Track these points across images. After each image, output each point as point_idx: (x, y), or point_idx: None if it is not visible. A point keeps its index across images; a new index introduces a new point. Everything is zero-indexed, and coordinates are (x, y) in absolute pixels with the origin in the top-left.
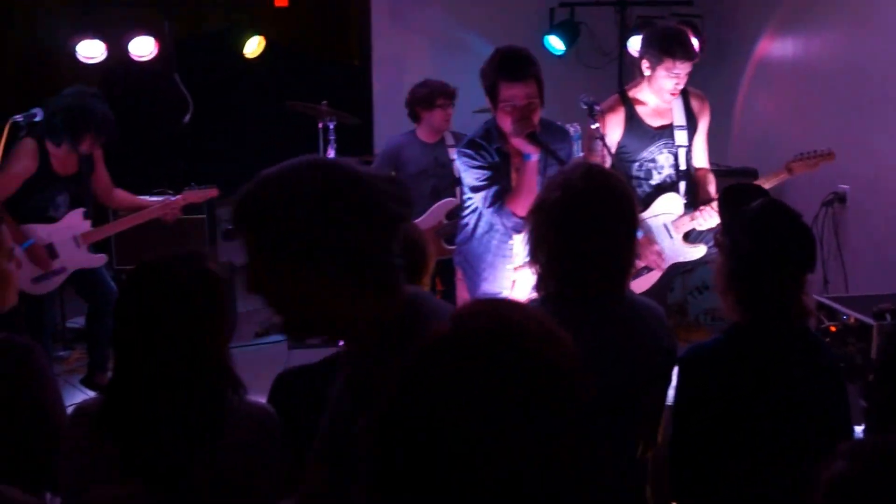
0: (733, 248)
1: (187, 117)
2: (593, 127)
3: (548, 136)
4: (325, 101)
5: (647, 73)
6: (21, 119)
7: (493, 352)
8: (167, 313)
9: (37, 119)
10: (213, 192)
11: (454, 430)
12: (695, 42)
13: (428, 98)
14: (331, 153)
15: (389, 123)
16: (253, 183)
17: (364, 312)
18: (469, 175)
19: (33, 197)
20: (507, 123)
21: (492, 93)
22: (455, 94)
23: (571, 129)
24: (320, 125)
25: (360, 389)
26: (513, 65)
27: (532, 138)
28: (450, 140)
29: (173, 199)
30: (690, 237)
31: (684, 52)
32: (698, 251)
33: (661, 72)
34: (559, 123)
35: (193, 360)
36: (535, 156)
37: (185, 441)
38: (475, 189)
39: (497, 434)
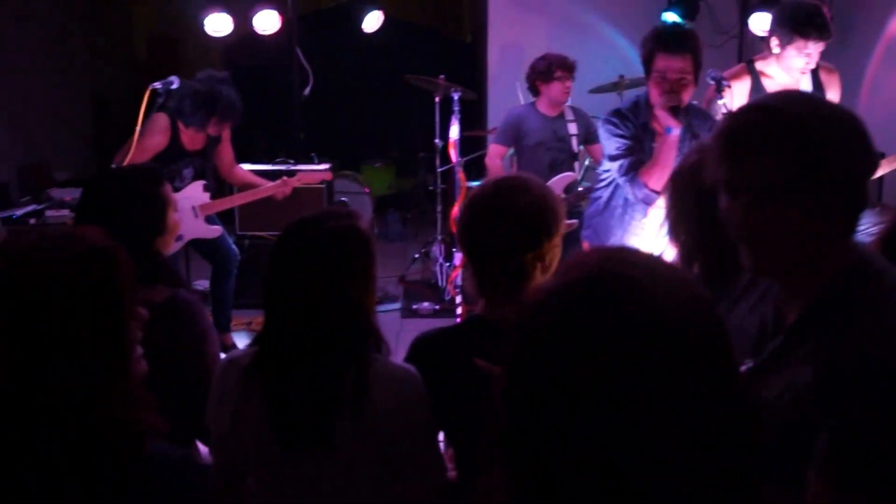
0: None
1: (307, 90)
2: (720, 102)
3: (691, 116)
4: (442, 76)
5: (775, 50)
6: (160, 86)
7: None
8: (319, 267)
9: (173, 87)
10: (327, 175)
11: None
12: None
13: (546, 70)
14: (454, 124)
15: (503, 100)
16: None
17: (830, 252)
18: (609, 143)
19: (163, 170)
20: (655, 95)
21: (647, 62)
22: (574, 67)
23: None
24: (437, 99)
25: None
26: (671, 37)
27: (674, 112)
28: (569, 115)
29: (287, 179)
30: None
31: (819, 33)
32: None
33: (791, 51)
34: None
35: (341, 315)
36: (676, 130)
37: (330, 397)
38: (613, 157)
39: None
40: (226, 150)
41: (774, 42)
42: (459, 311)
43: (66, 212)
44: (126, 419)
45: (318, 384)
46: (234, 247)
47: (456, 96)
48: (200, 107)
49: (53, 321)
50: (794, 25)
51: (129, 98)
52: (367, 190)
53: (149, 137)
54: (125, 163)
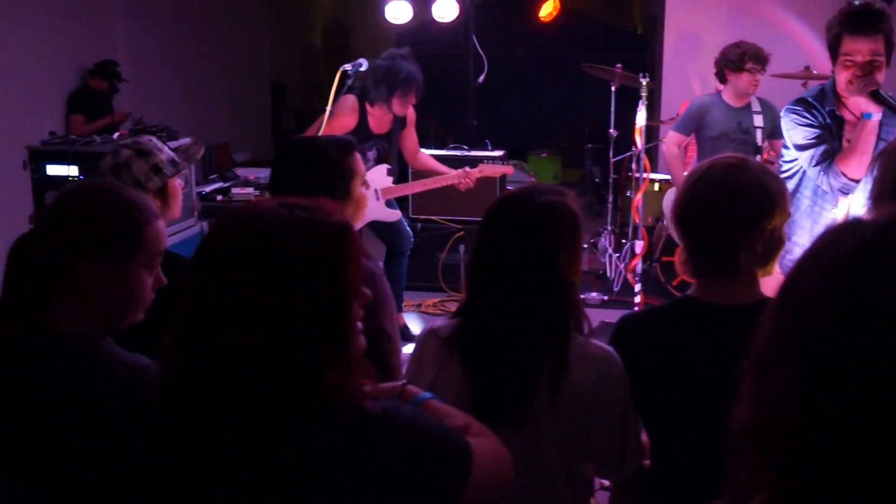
0: None
1: (482, 77)
2: None
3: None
4: (619, 65)
5: None
6: (350, 68)
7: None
8: (527, 241)
9: (362, 68)
10: (508, 170)
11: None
12: None
13: (738, 60)
14: (641, 112)
15: (678, 89)
16: None
17: None
18: (796, 133)
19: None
20: (842, 79)
21: (833, 46)
22: (767, 60)
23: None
24: (613, 88)
25: None
26: (858, 17)
27: (875, 96)
28: (756, 106)
29: (470, 170)
30: None
31: None
32: None
33: None
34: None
35: (546, 290)
36: (876, 115)
37: (529, 374)
38: (801, 147)
39: None
40: (410, 136)
41: None
42: (638, 299)
43: (250, 190)
44: (348, 387)
45: (519, 360)
46: (408, 229)
47: (644, 81)
48: (381, 80)
49: (287, 288)
50: None
51: (304, 84)
52: (533, 179)
53: (338, 118)
54: None
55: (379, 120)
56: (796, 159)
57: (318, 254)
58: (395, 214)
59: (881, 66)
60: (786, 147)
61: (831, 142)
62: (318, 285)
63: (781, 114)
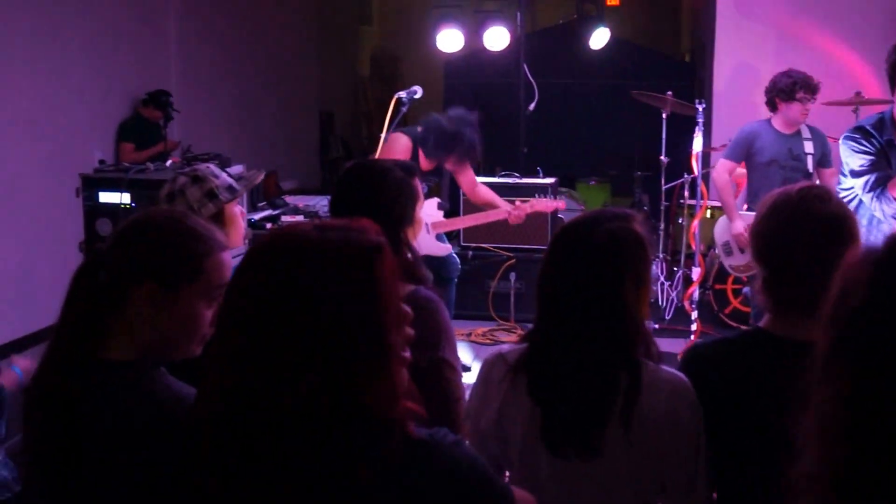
0: None
1: (532, 105)
2: None
3: None
4: (670, 92)
5: None
6: (405, 95)
7: None
8: (595, 267)
9: (417, 95)
10: (560, 205)
11: None
12: None
13: (789, 89)
14: (698, 138)
15: (728, 116)
16: None
17: None
18: (852, 159)
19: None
20: None
21: (893, 74)
22: (817, 89)
23: None
24: (664, 115)
25: None
26: None
27: None
28: (806, 133)
29: (521, 204)
30: None
31: None
32: None
33: None
34: None
35: (614, 318)
36: None
37: (601, 402)
38: (857, 174)
39: None
40: (467, 172)
41: None
42: (694, 327)
43: (300, 217)
44: (389, 409)
45: (589, 388)
46: (455, 257)
47: (701, 108)
48: (443, 145)
49: (319, 311)
50: None
51: (352, 112)
52: (582, 207)
53: (389, 155)
54: None
55: (429, 164)
56: (853, 187)
57: (348, 275)
58: (445, 249)
59: None
60: (843, 174)
61: (886, 169)
62: (349, 306)
63: (840, 141)
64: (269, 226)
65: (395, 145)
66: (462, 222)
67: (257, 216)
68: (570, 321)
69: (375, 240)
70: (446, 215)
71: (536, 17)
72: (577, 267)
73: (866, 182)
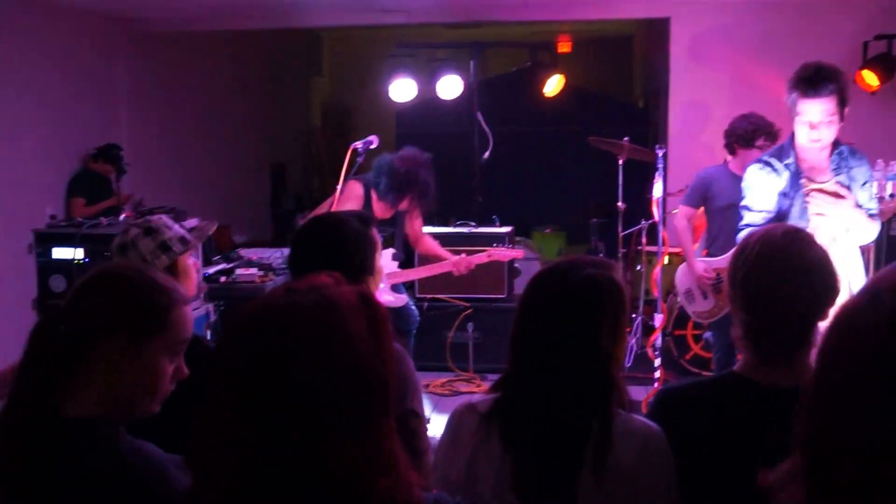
0: None
1: (487, 153)
2: None
3: (846, 158)
4: (626, 138)
5: None
6: (360, 146)
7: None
8: (571, 315)
9: (373, 146)
10: (518, 254)
11: None
12: None
13: (749, 136)
14: (658, 183)
15: (684, 159)
16: None
17: None
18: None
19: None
20: (800, 136)
21: (791, 106)
22: (777, 136)
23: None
24: (621, 161)
25: None
26: (810, 81)
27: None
28: None
29: (465, 258)
30: None
31: None
32: None
33: None
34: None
35: (589, 365)
36: None
37: (573, 451)
38: (753, 212)
39: None
40: (415, 219)
41: None
42: (658, 374)
43: (254, 270)
44: (367, 479)
45: (562, 437)
46: (414, 308)
47: (661, 153)
48: (395, 187)
49: (301, 380)
50: None
51: (304, 164)
52: (538, 256)
53: (342, 204)
54: None
55: (384, 209)
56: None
57: (324, 338)
58: (401, 299)
59: (834, 122)
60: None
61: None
62: (327, 371)
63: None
64: (223, 279)
65: (349, 193)
66: (416, 273)
67: (211, 270)
68: (545, 369)
69: (349, 296)
70: (401, 266)
71: (490, 65)
72: (554, 313)
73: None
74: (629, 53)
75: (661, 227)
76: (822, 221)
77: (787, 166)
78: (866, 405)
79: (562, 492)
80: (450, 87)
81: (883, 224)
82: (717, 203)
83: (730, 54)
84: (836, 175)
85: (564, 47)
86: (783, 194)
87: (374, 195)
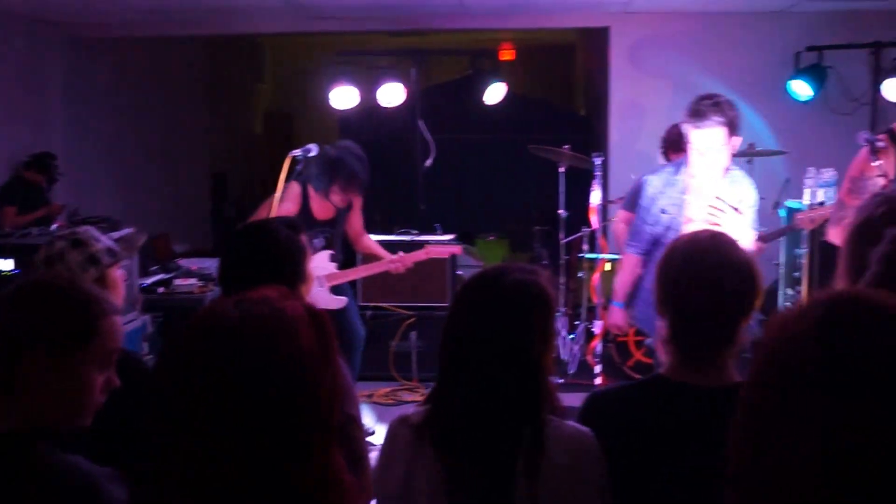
0: None
1: (429, 161)
2: (876, 164)
3: (736, 182)
4: (567, 146)
5: None
6: (299, 154)
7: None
8: (501, 321)
9: (311, 154)
10: (456, 249)
11: None
12: None
13: (678, 141)
14: (595, 191)
15: (625, 169)
16: None
17: None
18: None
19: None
20: (693, 161)
21: (685, 134)
22: None
23: (828, 174)
24: (561, 169)
25: None
26: (700, 113)
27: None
28: None
29: (403, 255)
30: None
31: None
32: None
33: None
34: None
35: (520, 372)
36: None
37: (506, 459)
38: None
39: None
40: (356, 219)
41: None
42: (599, 381)
43: (193, 280)
44: (320, 492)
45: (494, 445)
46: (360, 325)
47: (598, 161)
48: (325, 171)
49: (251, 392)
50: None
51: (245, 172)
52: (482, 264)
53: (280, 204)
54: None
55: (321, 206)
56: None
57: (274, 351)
58: (340, 301)
59: (722, 149)
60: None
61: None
62: (276, 385)
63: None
64: (161, 290)
65: (287, 193)
66: (354, 273)
67: (149, 281)
68: (476, 378)
69: (299, 309)
70: (341, 267)
71: (432, 73)
72: (484, 321)
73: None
74: (571, 62)
75: (599, 235)
76: None
77: (677, 182)
78: (791, 415)
79: (496, 500)
80: (391, 94)
81: (813, 231)
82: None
83: (668, 63)
84: (725, 197)
85: (507, 55)
86: (663, 209)
87: (311, 191)
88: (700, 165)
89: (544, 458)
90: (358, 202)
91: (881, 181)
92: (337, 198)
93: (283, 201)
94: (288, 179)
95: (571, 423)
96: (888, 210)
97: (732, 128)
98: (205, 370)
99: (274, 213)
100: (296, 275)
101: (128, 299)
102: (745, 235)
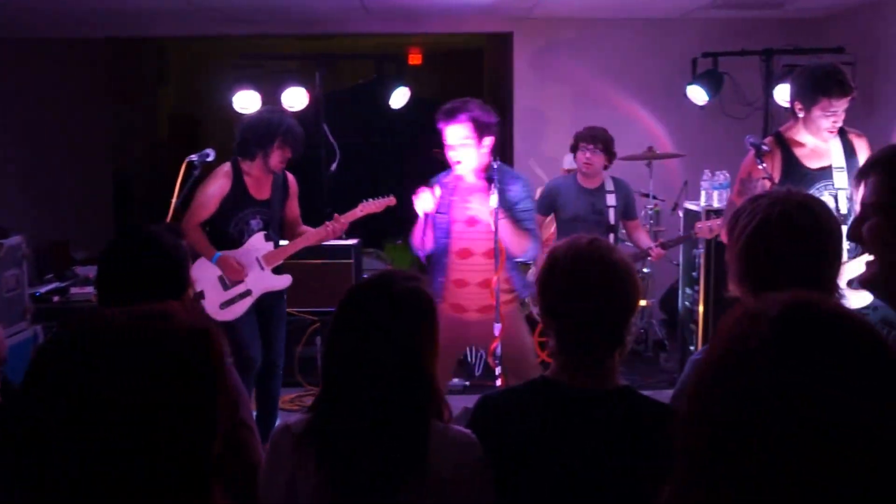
0: None
1: (334, 165)
2: (761, 167)
3: (500, 179)
4: None
5: (800, 115)
6: (196, 158)
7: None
8: (383, 327)
9: (209, 159)
10: (391, 201)
11: None
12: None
13: (574, 142)
14: (494, 195)
15: (528, 173)
16: None
17: None
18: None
19: (231, 221)
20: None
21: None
22: (598, 138)
23: (721, 177)
24: None
25: None
26: (444, 109)
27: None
28: (609, 186)
29: (338, 216)
30: (855, 284)
31: (840, 89)
32: (862, 298)
33: (816, 112)
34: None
35: (405, 378)
36: None
37: (390, 465)
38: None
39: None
40: (293, 205)
41: (798, 106)
42: (499, 382)
43: (90, 289)
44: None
45: (378, 452)
46: (282, 349)
47: (496, 165)
48: (260, 133)
49: (151, 403)
50: (815, 86)
51: (149, 176)
52: (389, 267)
53: (210, 183)
54: (187, 217)
55: (257, 182)
56: None
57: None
58: (286, 280)
59: (469, 147)
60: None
61: None
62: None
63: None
64: (56, 299)
65: (216, 172)
66: (293, 247)
67: (43, 289)
68: (361, 384)
69: (198, 322)
70: (276, 246)
71: (337, 78)
72: (373, 329)
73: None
74: (479, 67)
75: (497, 237)
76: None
77: (444, 184)
78: (734, 431)
79: (382, 501)
80: (294, 98)
81: (708, 241)
82: (563, 215)
83: (571, 68)
84: (490, 194)
85: (415, 60)
86: (438, 210)
87: (244, 167)
88: (451, 162)
89: (429, 463)
90: (294, 189)
91: (767, 183)
92: (276, 159)
93: (215, 177)
94: (184, 184)
95: (456, 427)
96: (784, 210)
97: (479, 126)
98: (87, 385)
99: (198, 193)
100: (184, 281)
101: (16, 309)
102: (516, 237)
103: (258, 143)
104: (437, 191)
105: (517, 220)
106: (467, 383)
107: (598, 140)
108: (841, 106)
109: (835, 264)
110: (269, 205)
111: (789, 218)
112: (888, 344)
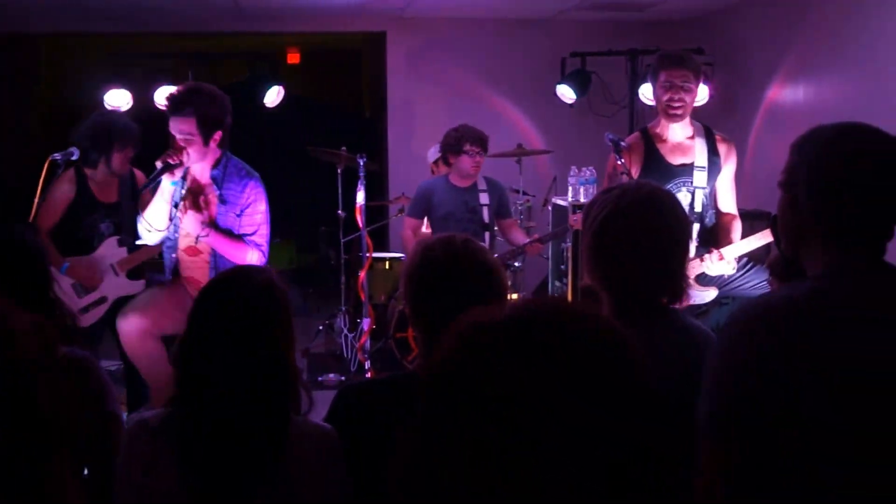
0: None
1: None
2: (619, 163)
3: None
4: (343, 147)
5: (652, 100)
6: (59, 157)
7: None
8: (246, 321)
9: (74, 157)
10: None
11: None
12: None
13: (456, 143)
14: (360, 190)
15: (403, 170)
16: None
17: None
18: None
19: (79, 226)
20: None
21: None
22: (485, 141)
23: (587, 172)
24: (339, 170)
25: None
26: (171, 98)
27: (166, 165)
28: (482, 185)
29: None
30: (704, 280)
31: (674, 61)
32: (710, 294)
33: (658, 91)
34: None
35: (263, 371)
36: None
37: (245, 459)
38: None
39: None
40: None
41: (651, 93)
42: (368, 375)
43: None
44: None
45: (236, 446)
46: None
47: (362, 162)
48: (97, 138)
49: None
50: (656, 65)
51: (23, 174)
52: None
53: (55, 190)
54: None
55: (102, 186)
56: None
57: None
58: (139, 285)
59: (193, 142)
60: None
61: None
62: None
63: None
64: None
65: (60, 179)
66: (146, 253)
67: None
68: (218, 378)
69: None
70: (130, 251)
71: (212, 77)
72: (230, 324)
73: None
74: (358, 65)
75: (364, 234)
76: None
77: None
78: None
79: (238, 500)
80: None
81: (575, 235)
82: (437, 213)
83: (444, 67)
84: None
85: (293, 59)
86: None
87: (87, 172)
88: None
89: (287, 457)
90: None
91: (625, 178)
92: (118, 161)
93: (58, 184)
94: (47, 183)
95: (313, 421)
96: (632, 202)
97: (206, 118)
98: None
99: (43, 205)
100: (47, 277)
101: None
102: (232, 249)
103: (96, 149)
104: (171, 184)
105: (232, 232)
106: (343, 378)
107: (484, 143)
108: (678, 79)
109: (680, 257)
110: (117, 207)
111: (636, 209)
112: (626, 343)
